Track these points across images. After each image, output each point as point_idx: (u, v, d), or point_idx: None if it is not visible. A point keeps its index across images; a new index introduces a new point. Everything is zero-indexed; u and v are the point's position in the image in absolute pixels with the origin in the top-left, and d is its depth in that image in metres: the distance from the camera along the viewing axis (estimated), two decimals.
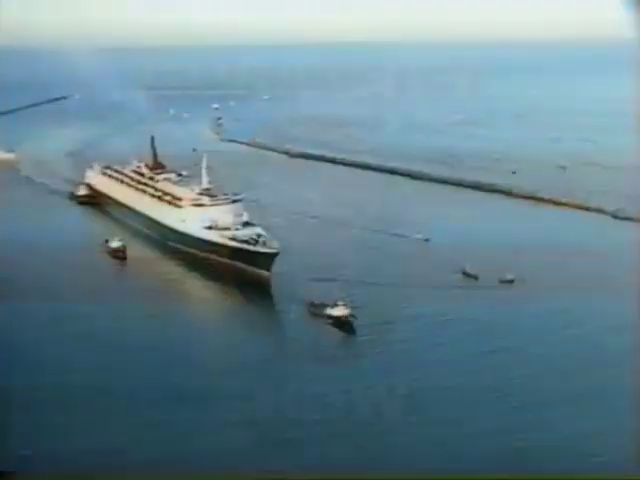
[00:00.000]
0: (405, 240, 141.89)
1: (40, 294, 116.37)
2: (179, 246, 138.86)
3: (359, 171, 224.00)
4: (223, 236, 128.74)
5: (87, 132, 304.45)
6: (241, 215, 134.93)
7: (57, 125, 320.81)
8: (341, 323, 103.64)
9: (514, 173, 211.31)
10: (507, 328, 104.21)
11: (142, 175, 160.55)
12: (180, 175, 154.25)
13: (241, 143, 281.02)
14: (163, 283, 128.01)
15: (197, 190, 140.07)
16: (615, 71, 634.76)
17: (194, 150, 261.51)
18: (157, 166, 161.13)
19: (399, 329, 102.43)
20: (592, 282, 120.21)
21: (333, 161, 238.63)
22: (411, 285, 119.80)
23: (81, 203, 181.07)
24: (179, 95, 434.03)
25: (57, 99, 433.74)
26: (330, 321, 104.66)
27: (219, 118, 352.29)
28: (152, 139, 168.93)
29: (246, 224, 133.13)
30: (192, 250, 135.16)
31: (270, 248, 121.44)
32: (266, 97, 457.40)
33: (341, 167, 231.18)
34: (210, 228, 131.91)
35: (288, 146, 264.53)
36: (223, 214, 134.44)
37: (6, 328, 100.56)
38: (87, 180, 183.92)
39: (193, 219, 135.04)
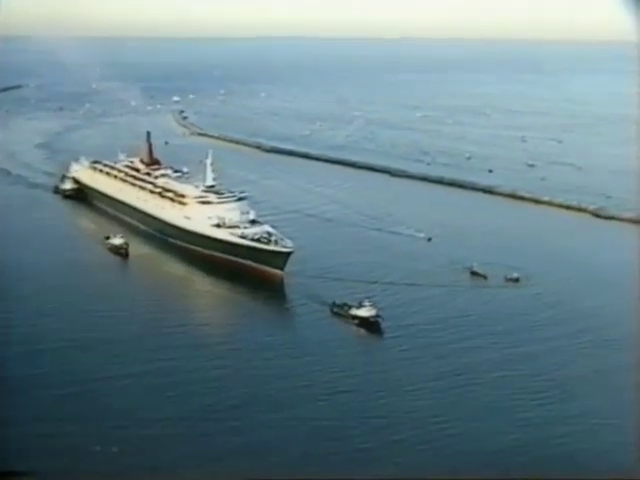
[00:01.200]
0: (408, 239, 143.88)
1: (49, 294, 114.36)
2: (182, 243, 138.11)
3: (337, 167, 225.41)
4: (233, 234, 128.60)
5: (52, 123, 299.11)
6: (247, 213, 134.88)
7: (18, 116, 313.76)
8: (368, 324, 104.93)
9: (491, 172, 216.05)
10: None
11: (137, 170, 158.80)
12: (178, 171, 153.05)
13: (211, 137, 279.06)
14: (170, 282, 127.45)
15: (201, 187, 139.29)
16: (572, 71, 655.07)
17: (166, 143, 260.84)
18: (153, 162, 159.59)
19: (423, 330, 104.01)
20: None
21: (307, 157, 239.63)
22: (422, 284, 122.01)
23: (67, 197, 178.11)
24: (138, 87, 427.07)
25: (11, 88, 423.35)
26: (356, 321, 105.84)
27: (182, 111, 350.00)
28: (148, 134, 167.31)
29: (253, 222, 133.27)
30: (196, 248, 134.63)
31: (285, 247, 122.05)
32: (222, 91, 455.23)
33: (317, 163, 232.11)
34: (218, 226, 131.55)
35: (259, 140, 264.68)
36: (229, 212, 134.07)
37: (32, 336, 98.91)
38: (73, 174, 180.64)
39: (199, 217, 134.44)
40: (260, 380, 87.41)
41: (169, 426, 76.32)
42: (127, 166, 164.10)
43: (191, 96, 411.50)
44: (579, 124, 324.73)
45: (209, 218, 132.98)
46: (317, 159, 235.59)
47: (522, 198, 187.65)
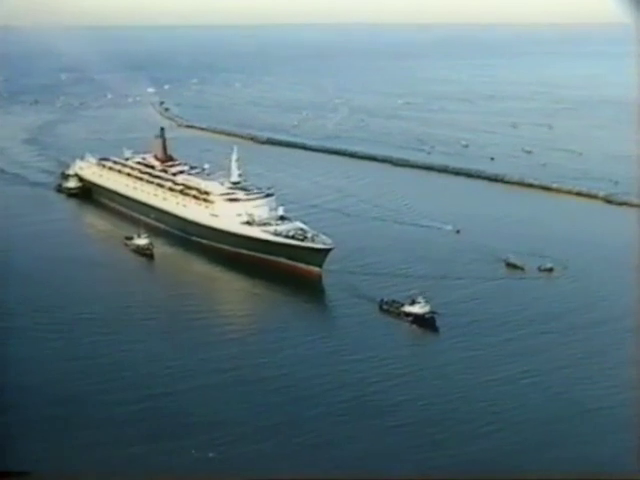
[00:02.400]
0: (436, 232, 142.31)
1: (83, 304, 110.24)
2: (207, 242, 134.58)
3: (338, 158, 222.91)
4: (266, 231, 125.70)
5: (32, 117, 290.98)
6: (276, 209, 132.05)
7: None
8: (422, 321, 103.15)
9: (492, 159, 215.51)
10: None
11: (152, 167, 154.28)
12: (195, 168, 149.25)
13: (200, 129, 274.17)
14: (204, 283, 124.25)
15: (227, 184, 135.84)
16: (545, 54, 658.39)
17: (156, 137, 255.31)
18: (167, 158, 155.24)
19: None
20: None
21: (305, 147, 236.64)
22: (461, 277, 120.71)
23: (71, 195, 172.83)
24: (109, 78, 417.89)
25: None
26: (409, 319, 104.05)
27: (162, 102, 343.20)
28: (162, 130, 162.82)
29: (282, 218, 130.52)
30: (224, 246, 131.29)
31: (324, 244, 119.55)
32: (195, 80, 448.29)
33: (316, 154, 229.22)
34: (248, 223, 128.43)
35: (250, 132, 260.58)
36: (258, 208, 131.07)
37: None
38: (77, 171, 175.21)
39: (227, 214, 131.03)
40: (326, 386, 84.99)
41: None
42: (140, 163, 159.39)
43: (166, 86, 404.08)
44: (563, 108, 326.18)
45: (238, 215, 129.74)
46: (316, 150, 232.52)
47: (531, 185, 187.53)
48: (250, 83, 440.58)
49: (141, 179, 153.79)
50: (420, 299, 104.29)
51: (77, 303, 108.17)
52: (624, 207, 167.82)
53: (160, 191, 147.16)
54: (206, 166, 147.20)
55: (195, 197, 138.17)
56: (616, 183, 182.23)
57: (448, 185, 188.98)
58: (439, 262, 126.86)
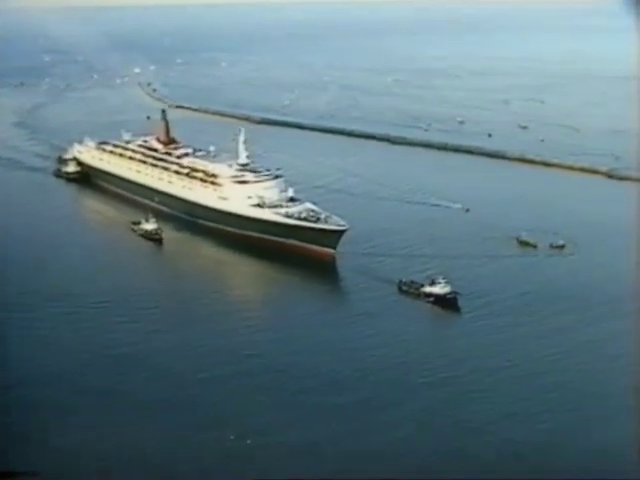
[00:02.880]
0: (446, 211, 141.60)
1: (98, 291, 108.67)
2: (216, 225, 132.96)
3: (335, 137, 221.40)
4: (278, 213, 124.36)
5: (20, 100, 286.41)
6: (285, 191, 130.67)
7: None
8: (444, 301, 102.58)
9: (490, 136, 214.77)
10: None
11: (155, 150, 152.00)
12: (200, 150, 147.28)
13: (192, 109, 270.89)
14: (217, 266, 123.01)
15: (235, 166, 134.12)
16: (526, 30, 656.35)
17: (148, 118, 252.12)
18: (170, 141, 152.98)
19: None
20: None
21: (301, 127, 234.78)
22: (475, 256, 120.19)
23: (71, 180, 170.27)
24: (93, 59, 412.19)
25: None
26: (430, 299, 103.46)
27: (149, 83, 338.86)
28: (164, 112, 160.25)
29: (292, 200, 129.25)
30: (234, 229, 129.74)
31: (338, 225, 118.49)
32: (180, 61, 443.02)
33: (313, 133, 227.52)
34: (259, 206, 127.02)
35: (243, 112, 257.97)
36: (268, 190, 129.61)
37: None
38: (76, 155, 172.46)
39: (236, 197, 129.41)
40: (355, 370, 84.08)
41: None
42: (142, 146, 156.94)
43: (152, 67, 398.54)
44: (551, 83, 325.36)
45: (248, 198, 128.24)
46: (312, 129, 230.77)
47: (532, 162, 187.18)
48: (236, 62, 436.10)
49: (144, 162, 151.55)
50: (440, 279, 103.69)
51: (90, 291, 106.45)
52: (627, 182, 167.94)
53: (165, 174, 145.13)
54: (212, 148, 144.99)
55: (202, 180, 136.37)
56: (617, 158, 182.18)
57: (450, 162, 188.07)
58: (451, 241, 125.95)
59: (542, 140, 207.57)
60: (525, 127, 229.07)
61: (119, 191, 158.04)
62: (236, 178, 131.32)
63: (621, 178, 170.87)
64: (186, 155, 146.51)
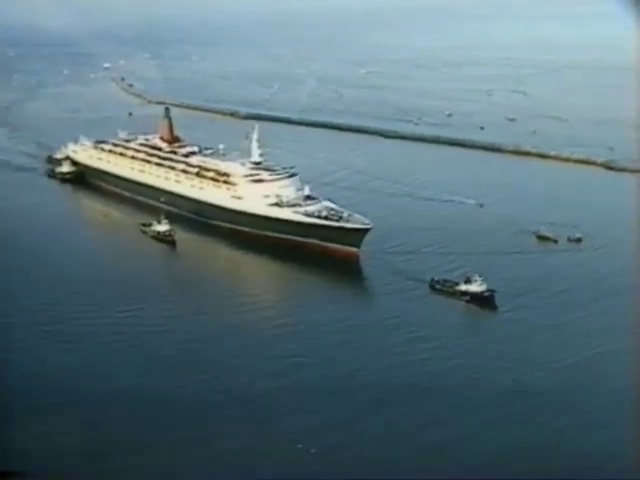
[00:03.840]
0: (460, 206, 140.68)
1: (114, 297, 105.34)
2: (229, 225, 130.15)
3: (325, 131, 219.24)
4: (297, 212, 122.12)
5: None
6: (302, 189, 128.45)
7: None
8: (481, 299, 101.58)
9: (482, 129, 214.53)
10: None
11: (159, 149, 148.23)
12: (209, 149, 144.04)
13: (173, 105, 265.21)
14: (237, 269, 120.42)
15: (248, 164, 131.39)
16: (482, 18, 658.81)
17: (130, 114, 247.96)
18: (175, 139, 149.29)
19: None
20: None
21: (290, 121, 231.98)
22: (499, 252, 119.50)
23: (65, 181, 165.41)
24: (57, 53, 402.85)
25: None
26: (466, 298, 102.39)
27: (123, 78, 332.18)
28: (167, 110, 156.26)
29: (308, 198, 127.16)
30: (249, 229, 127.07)
31: (362, 223, 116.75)
32: (147, 55, 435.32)
33: (303, 128, 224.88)
34: (277, 205, 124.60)
35: (226, 107, 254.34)
36: (284, 189, 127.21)
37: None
38: (71, 155, 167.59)
39: (252, 196, 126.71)
40: (400, 374, 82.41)
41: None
42: (143, 144, 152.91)
43: (121, 62, 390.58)
44: (528, 74, 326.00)
45: (265, 197, 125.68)
46: (300, 123, 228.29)
47: (528, 154, 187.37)
48: (206, 56, 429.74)
49: (148, 161, 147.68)
50: (476, 277, 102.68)
51: (114, 299, 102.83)
52: (626, 173, 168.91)
53: (172, 173, 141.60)
54: (221, 146, 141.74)
55: (213, 179, 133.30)
56: (611, 149, 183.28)
57: (447, 156, 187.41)
58: (472, 238, 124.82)
59: (533, 132, 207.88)
60: (513, 119, 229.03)
61: (120, 191, 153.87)
62: (251, 177, 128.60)
63: (620, 169, 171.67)
64: (193, 154, 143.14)
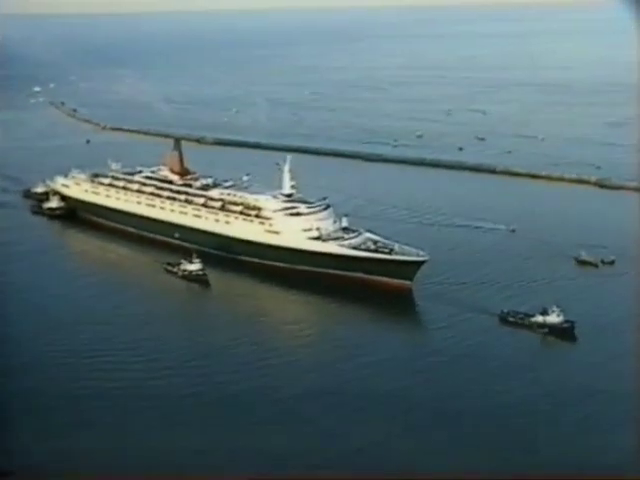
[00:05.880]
0: (491, 232, 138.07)
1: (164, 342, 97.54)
2: (261, 261, 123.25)
3: (303, 156, 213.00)
4: (342, 246, 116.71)
5: None
6: (338, 221, 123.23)
7: None
8: (561, 330, 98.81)
9: (461, 150, 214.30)
10: None
11: (170, 182, 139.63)
12: (227, 181, 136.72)
13: (130, 131, 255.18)
14: (285, 309, 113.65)
15: (280, 197, 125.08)
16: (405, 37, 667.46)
17: (88, 142, 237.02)
18: (185, 171, 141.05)
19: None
20: None
21: (260, 147, 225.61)
22: (548, 279, 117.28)
23: (54, 217, 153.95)
24: None
25: None
26: (544, 330, 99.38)
27: (63, 103, 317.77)
28: (178, 142, 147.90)
29: (345, 230, 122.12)
30: (285, 264, 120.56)
31: (418, 255, 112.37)
32: (73, 77, 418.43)
33: (278, 153, 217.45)
34: (318, 239, 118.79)
35: (187, 133, 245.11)
36: (322, 222, 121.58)
37: None
38: (60, 189, 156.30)
39: (291, 230, 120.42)
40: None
41: None
42: (149, 177, 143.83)
43: (51, 85, 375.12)
44: (476, 92, 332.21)
45: (305, 231, 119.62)
46: (273, 149, 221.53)
47: (518, 174, 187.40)
48: (141, 79, 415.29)
49: (159, 195, 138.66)
50: (554, 307, 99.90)
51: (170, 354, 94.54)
52: (622, 191, 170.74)
53: (190, 207, 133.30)
54: (244, 178, 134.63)
55: (243, 213, 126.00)
56: (598, 168, 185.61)
57: (439, 179, 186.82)
58: (515, 265, 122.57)
59: (509, 152, 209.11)
60: (483, 139, 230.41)
61: (122, 227, 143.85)
62: (287, 210, 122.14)
63: (613, 188, 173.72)
64: (208, 186, 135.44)
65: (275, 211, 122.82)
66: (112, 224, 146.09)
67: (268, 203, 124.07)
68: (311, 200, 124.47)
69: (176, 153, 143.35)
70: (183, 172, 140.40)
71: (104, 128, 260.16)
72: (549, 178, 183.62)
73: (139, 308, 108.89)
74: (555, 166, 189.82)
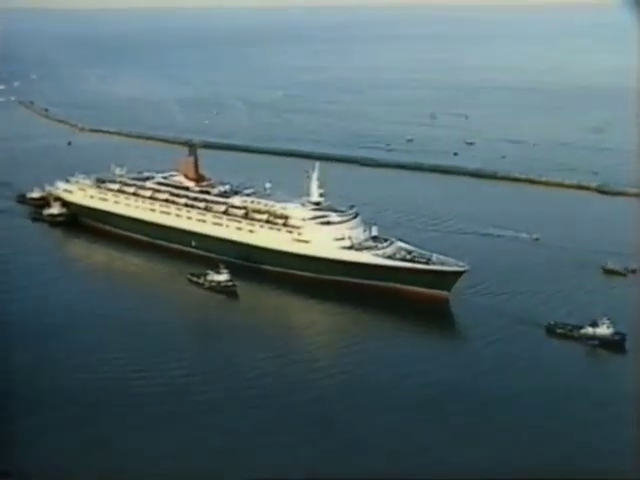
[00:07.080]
0: (515, 241, 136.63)
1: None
2: (287, 271, 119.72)
3: (296, 160, 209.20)
4: (377, 255, 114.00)
5: None
6: (367, 230, 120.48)
7: None
8: (612, 342, 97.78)
9: (456, 155, 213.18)
10: None
11: (186, 189, 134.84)
12: (249, 188, 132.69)
13: (110, 133, 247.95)
14: (322, 321, 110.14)
15: (309, 205, 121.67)
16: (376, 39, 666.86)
17: (69, 144, 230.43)
18: (201, 177, 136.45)
19: None
20: None
21: (251, 150, 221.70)
22: (580, 289, 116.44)
23: (56, 224, 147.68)
24: None
25: None
26: (594, 342, 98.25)
27: (32, 102, 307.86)
28: (193, 147, 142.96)
29: (375, 238, 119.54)
30: (315, 274, 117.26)
31: (458, 266, 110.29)
32: (34, 76, 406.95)
33: (272, 157, 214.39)
34: (351, 248, 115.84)
35: (178, 135, 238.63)
36: (353, 230, 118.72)
37: None
38: (61, 194, 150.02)
39: (321, 239, 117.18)
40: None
41: None
42: (162, 183, 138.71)
43: (16, 83, 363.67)
44: (453, 96, 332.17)
45: (336, 240, 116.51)
46: (264, 152, 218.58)
47: (517, 179, 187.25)
48: (105, 78, 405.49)
49: (174, 202, 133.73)
50: (604, 319, 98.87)
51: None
52: (623, 197, 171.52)
53: (209, 215, 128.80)
54: (267, 185, 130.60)
55: (269, 221, 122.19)
56: (596, 173, 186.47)
57: (442, 184, 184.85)
58: (545, 274, 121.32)
59: (503, 157, 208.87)
60: (472, 143, 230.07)
61: (133, 235, 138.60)
62: (317, 219, 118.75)
63: (614, 193, 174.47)
64: (227, 193, 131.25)
65: (304, 220, 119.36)
66: (120, 231, 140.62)
67: (296, 211, 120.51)
68: (341, 208, 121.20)
69: (191, 159, 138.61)
70: (199, 178, 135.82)
71: (82, 129, 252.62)
72: (548, 184, 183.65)
73: (172, 325, 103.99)
74: (555, 172, 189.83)
